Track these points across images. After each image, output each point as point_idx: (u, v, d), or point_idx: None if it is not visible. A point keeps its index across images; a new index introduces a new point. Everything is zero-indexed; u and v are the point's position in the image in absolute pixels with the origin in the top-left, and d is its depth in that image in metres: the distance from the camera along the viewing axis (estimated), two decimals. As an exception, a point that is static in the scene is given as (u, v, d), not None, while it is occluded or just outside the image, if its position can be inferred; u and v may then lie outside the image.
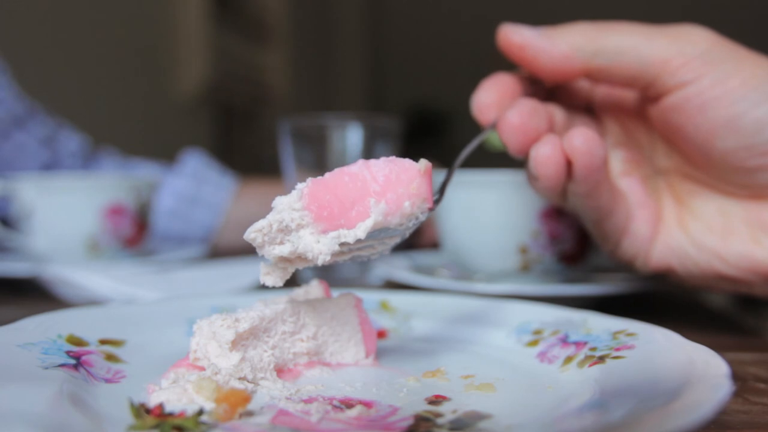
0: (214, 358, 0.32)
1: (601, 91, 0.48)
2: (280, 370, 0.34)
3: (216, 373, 0.31)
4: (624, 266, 0.48)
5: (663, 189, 0.46)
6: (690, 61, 0.39)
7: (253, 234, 0.31)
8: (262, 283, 0.33)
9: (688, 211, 0.44)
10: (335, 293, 0.38)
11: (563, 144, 0.41)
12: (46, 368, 0.30)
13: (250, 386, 0.31)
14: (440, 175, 0.59)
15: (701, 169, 0.43)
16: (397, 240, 0.34)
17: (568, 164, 0.41)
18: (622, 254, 0.46)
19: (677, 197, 0.45)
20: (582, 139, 0.40)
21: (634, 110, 0.47)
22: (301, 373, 0.34)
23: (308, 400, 0.30)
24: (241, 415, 0.28)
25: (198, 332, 0.32)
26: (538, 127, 0.42)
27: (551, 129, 0.44)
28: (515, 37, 0.43)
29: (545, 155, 0.41)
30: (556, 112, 0.45)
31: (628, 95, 0.47)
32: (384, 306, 0.44)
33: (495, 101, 0.45)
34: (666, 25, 0.41)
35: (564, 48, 0.42)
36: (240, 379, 0.31)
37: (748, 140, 0.39)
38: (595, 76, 0.43)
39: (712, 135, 0.40)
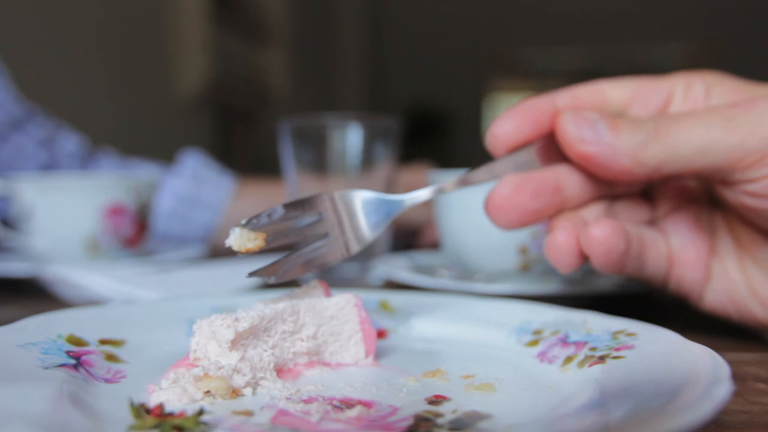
0: (214, 357, 0.32)
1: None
2: (280, 370, 0.34)
3: (220, 368, 0.31)
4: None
5: (720, 226, 0.41)
6: (766, 156, 0.35)
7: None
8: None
9: (749, 257, 0.40)
10: (335, 293, 0.38)
11: (580, 236, 0.38)
12: (46, 368, 0.30)
13: (250, 385, 0.31)
14: (440, 174, 0.59)
15: None
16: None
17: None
18: (672, 294, 0.43)
19: (738, 240, 0.40)
20: (601, 232, 0.37)
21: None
22: (301, 373, 0.34)
23: (308, 400, 0.30)
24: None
25: (198, 332, 0.32)
26: (540, 208, 0.40)
27: (560, 202, 0.40)
28: (577, 146, 0.38)
29: (560, 244, 0.39)
30: (567, 175, 0.41)
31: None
32: (384, 306, 0.44)
33: (512, 133, 0.40)
34: (736, 106, 0.36)
35: (627, 164, 0.37)
36: (237, 372, 0.31)
37: None
38: (657, 181, 0.40)
39: None
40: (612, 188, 0.41)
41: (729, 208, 0.40)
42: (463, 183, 0.40)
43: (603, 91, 0.41)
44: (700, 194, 0.42)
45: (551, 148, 0.41)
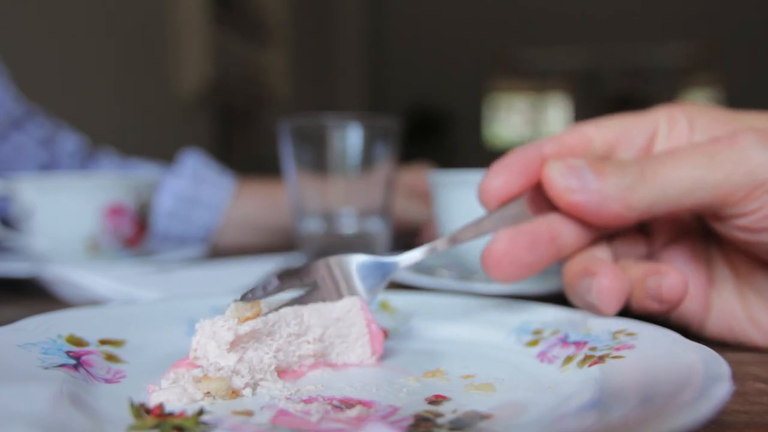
0: (213, 358, 0.32)
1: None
2: (283, 372, 0.34)
3: (219, 369, 0.31)
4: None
5: (717, 257, 0.42)
6: (754, 190, 0.35)
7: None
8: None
9: (748, 285, 0.40)
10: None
11: (662, 285, 0.37)
12: (46, 368, 0.30)
13: (249, 386, 0.31)
14: (439, 174, 0.59)
15: None
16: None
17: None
18: (674, 323, 0.42)
19: (735, 270, 0.41)
20: (676, 281, 0.37)
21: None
22: (302, 374, 0.34)
23: (308, 400, 0.30)
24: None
25: (200, 331, 0.32)
26: (537, 259, 0.39)
27: (556, 251, 0.40)
28: (565, 196, 0.38)
29: (606, 287, 0.37)
30: (560, 223, 0.40)
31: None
32: (384, 306, 0.44)
33: (502, 187, 0.40)
34: (718, 142, 0.36)
35: (617, 209, 0.37)
36: (236, 373, 0.31)
37: None
38: (649, 221, 0.41)
39: None
40: (606, 229, 0.41)
41: (724, 240, 0.40)
42: (454, 241, 0.40)
43: (588, 134, 0.41)
44: (694, 226, 0.43)
45: (541, 197, 0.41)
